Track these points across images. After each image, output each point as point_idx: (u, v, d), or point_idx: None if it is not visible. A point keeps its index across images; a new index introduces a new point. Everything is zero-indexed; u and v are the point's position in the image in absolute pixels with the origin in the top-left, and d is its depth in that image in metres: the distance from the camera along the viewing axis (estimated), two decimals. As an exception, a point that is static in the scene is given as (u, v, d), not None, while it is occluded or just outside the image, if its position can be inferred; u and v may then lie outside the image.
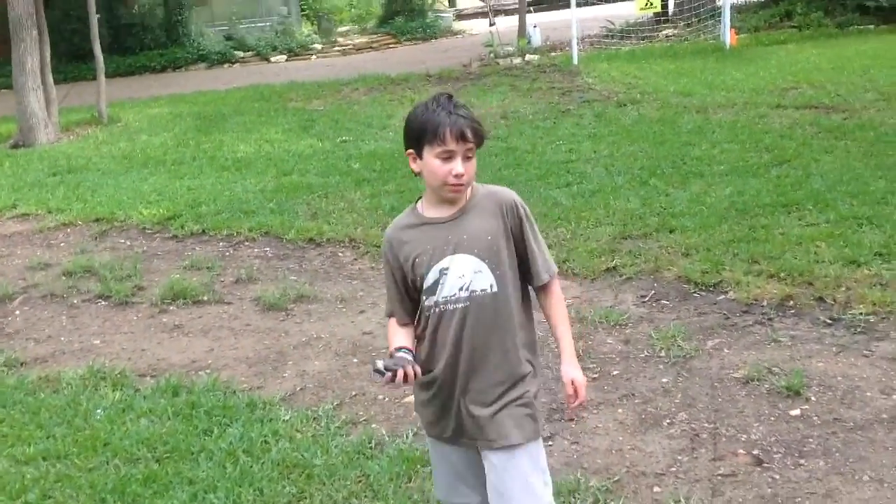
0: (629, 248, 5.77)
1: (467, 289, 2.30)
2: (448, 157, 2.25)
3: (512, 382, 2.35)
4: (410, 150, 2.33)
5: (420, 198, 2.42)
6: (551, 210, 6.72)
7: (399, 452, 3.49)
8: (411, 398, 3.84)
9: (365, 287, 5.58)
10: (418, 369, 2.26)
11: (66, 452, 3.70)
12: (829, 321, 4.47)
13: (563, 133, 9.98)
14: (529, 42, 19.36)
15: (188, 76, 22.53)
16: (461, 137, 2.23)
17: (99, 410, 4.07)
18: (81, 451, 3.71)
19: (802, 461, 3.29)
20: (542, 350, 3.56)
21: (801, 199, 6.41)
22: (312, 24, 28.86)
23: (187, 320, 5.32)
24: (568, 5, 17.35)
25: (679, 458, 3.38)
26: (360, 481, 3.35)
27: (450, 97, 2.31)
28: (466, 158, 2.26)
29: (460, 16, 34.26)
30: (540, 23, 21.35)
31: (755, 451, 3.38)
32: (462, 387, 2.35)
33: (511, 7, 29.09)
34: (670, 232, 5.99)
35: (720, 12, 17.28)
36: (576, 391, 2.41)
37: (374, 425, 3.82)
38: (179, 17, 24.70)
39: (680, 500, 3.08)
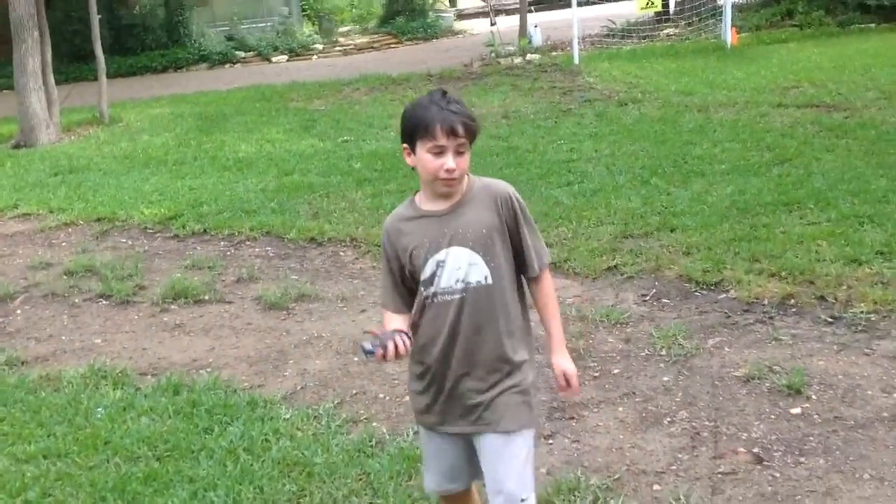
0: (630, 247, 5.77)
1: (463, 280, 2.34)
2: (439, 152, 2.29)
3: (508, 371, 2.39)
4: (405, 145, 2.37)
5: (418, 190, 2.45)
6: (552, 209, 6.72)
7: (400, 451, 3.49)
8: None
9: (366, 286, 5.58)
10: (407, 341, 2.28)
11: (67, 451, 3.71)
12: (830, 320, 4.47)
13: (564, 132, 9.97)
14: (530, 42, 19.37)
15: (189, 76, 22.54)
16: (451, 133, 2.27)
17: (100, 409, 4.07)
18: (82, 449, 3.71)
19: (803, 459, 3.28)
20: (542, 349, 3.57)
21: (803, 198, 6.41)
22: (313, 24, 28.87)
23: (188, 319, 5.33)
24: (569, 5, 17.35)
25: (679, 456, 3.37)
26: (360, 479, 3.35)
27: (444, 93, 2.34)
28: (458, 153, 2.30)
29: (461, 16, 34.26)
30: (541, 22, 21.35)
31: (756, 450, 3.37)
32: (457, 376, 2.38)
33: (512, 7, 29.12)
34: (671, 231, 5.99)
35: (721, 11, 17.27)
36: (568, 382, 2.46)
37: (374, 424, 3.82)
38: (180, 18, 24.72)
39: (680, 499, 3.08)
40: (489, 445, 2.39)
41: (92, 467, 3.57)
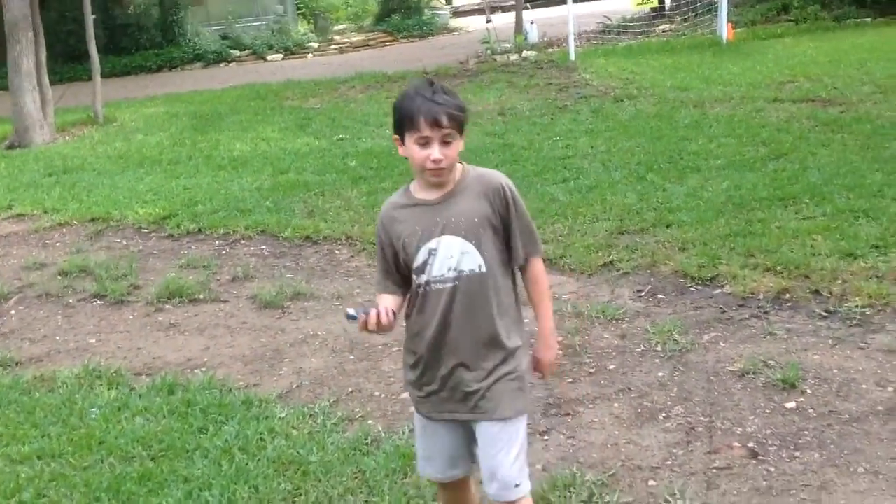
0: (626, 243, 5.77)
1: (455, 269, 2.37)
2: (425, 142, 2.31)
3: (503, 358, 2.42)
4: (396, 136, 2.41)
5: (413, 179, 2.47)
6: (548, 206, 6.71)
7: (395, 448, 3.48)
8: (407, 394, 3.85)
9: (361, 284, 5.58)
10: (392, 315, 2.32)
11: (61, 451, 3.69)
12: (824, 314, 4.47)
13: (560, 129, 9.97)
14: (526, 38, 19.36)
15: (184, 76, 22.52)
16: (435, 124, 2.29)
17: (94, 409, 4.06)
18: (76, 449, 3.70)
19: (797, 454, 3.28)
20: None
21: (798, 193, 6.40)
22: (309, 22, 28.86)
23: (183, 319, 5.32)
24: (564, 1, 17.36)
25: (674, 451, 3.37)
26: (356, 477, 3.34)
27: (431, 83, 2.36)
28: (445, 143, 2.32)
29: (457, 13, 34.29)
30: (536, 19, 21.36)
31: (750, 444, 3.37)
32: (452, 364, 2.41)
33: (508, 4, 29.08)
34: (667, 227, 5.99)
35: (717, 7, 17.28)
36: (543, 374, 2.57)
37: (370, 422, 3.81)
38: (175, 17, 24.70)
39: (675, 494, 3.08)
40: (485, 432, 2.43)
41: (86, 468, 3.56)
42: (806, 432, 3.42)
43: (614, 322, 4.64)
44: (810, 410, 3.58)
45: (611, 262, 5.46)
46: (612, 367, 4.14)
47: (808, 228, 5.60)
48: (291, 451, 3.55)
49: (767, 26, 18.97)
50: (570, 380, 4.03)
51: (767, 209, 6.13)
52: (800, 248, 5.27)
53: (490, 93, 13.24)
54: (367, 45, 26.48)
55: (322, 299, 5.41)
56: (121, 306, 5.61)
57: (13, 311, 5.69)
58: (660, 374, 4.02)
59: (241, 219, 7.20)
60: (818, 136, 8.35)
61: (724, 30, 16.77)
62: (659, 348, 4.27)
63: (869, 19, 18.52)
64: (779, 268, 5.02)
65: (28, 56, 12.58)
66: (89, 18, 14.49)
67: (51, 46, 14.43)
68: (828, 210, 5.95)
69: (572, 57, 16.19)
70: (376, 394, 4.10)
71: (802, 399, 3.67)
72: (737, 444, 3.38)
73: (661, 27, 20.47)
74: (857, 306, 4.47)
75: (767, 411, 3.60)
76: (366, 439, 3.62)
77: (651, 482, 3.19)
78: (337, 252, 6.28)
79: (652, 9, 20.56)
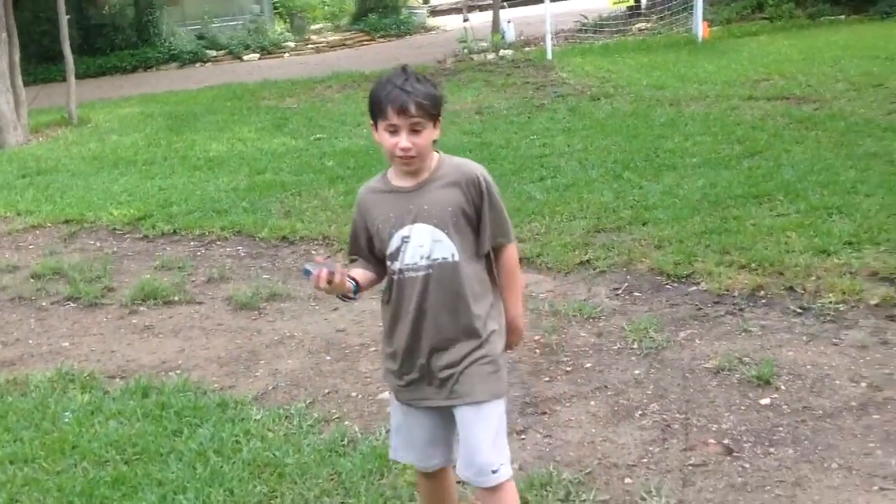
0: (603, 241, 5.78)
1: (428, 257, 2.38)
2: (393, 130, 2.33)
3: (478, 343, 2.42)
4: (371, 122, 2.42)
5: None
6: (525, 204, 6.71)
7: (372, 449, 3.47)
8: (385, 395, 3.83)
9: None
10: (345, 278, 2.33)
11: (34, 456, 3.64)
12: (799, 310, 4.50)
13: (537, 128, 9.98)
14: (503, 37, 19.38)
15: (159, 76, 22.34)
16: (402, 112, 2.30)
17: (67, 413, 4.01)
18: (49, 454, 3.65)
19: (772, 450, 3.30)
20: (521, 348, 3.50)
21: (773, 190, 6.45)
22: (285, 22, 28.74)
23: (158, 321, 5.27)
24: (541, 0, 17.37)
25: (650, 448, 3.38)
26: (332, 479, 3.32)
27: (404, 69, 2.39)
28: (413, 132, 2.32)
29: (434, 12, 34.24)
30: (514, 18, 21.38)
31: (726, 441, 3.38)
32: (428, 351, 2.42)
33: (485, 2, 29.08)
34: (643, 224, 6.01)
35: (692, 5, 17.38)
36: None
37: (346, 423, 3.79)
38: (150, 17, 24.50)
39: (651, 491, 3.08)
40: (462, 417, 2.43)
41: (59, 472, 3.52)
42: (780, 428, 3.44)
43: (591, 320, 4.65)
44: (784, 407, 3.60)
45: (587, 260, 5.48)
46: (588, 365, 4.15)
47: (782, 225, 5.64)
48: (267, 453, 3.52)
49: (742, 24, 19.12)
50: (546, 378, 4.04)
51: (742, 207, 6.17)
52: (774, 245, 5.31)
53: (467, 92, 13.23)
54: (344, 45, 26.40)
55: (298, 300, 5.38)
56: (94, 309, 5.55)
57: (-15, 315, 5.61)
58: (636, 371, 4.03)
59: (216, 219, 7.15)
60: (792, 133, 8.42)
61: (700, 28, 16.88)
62: (635, 346, 4.28)
63: (843, 17, 18.71)
64: (753, 265, 5.05)
65: (1, 57, 12.44)
66: (63, 19, 14.34)
67: (24, 47, 14.28)
68: (802, 207, 5.99)
69: (549, 56, 16.22)
70: (353, 394, 4.08)
71: (777, 395, 3.69)
72: (712, 440, 3.40)
73: (637, 26, 20.57)
74: (830, 303, 4.50)
75: (742, 408, 3.62)
76: (342, 440, 3.60)
77: (627, 480, 3.19)
78: (314, 252, 6.25)
79: (628, 7, 20.65)
